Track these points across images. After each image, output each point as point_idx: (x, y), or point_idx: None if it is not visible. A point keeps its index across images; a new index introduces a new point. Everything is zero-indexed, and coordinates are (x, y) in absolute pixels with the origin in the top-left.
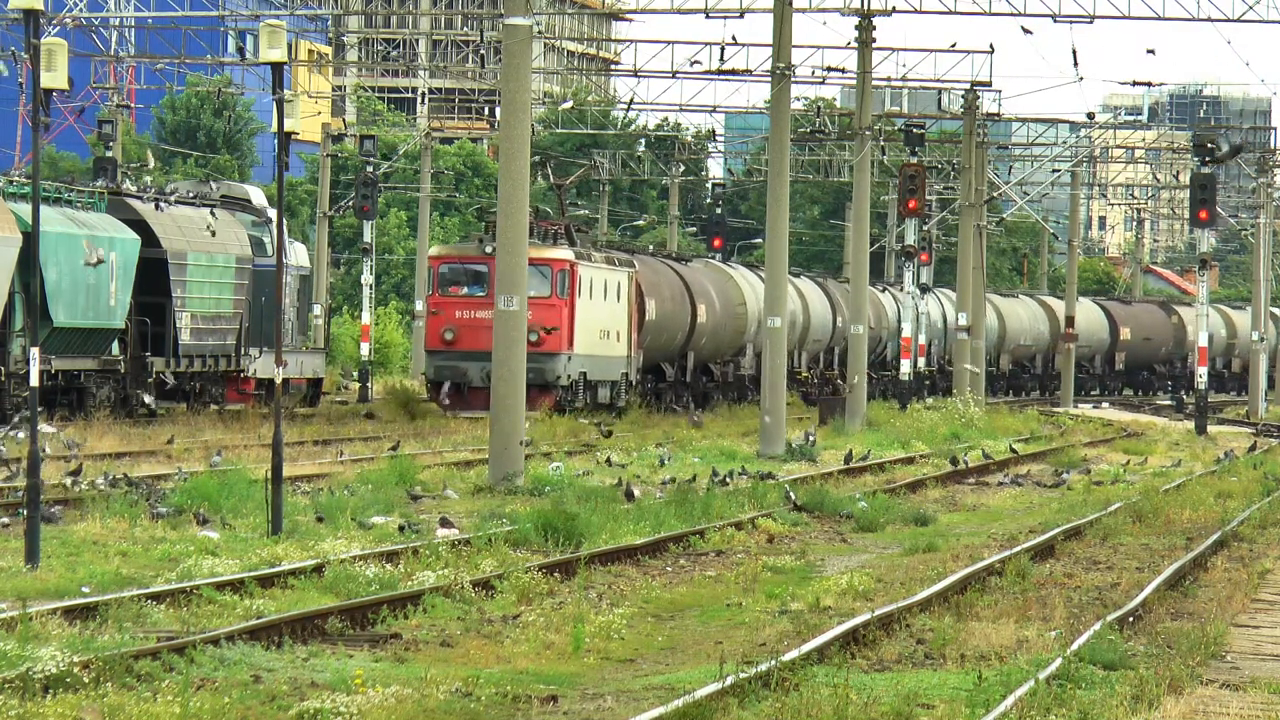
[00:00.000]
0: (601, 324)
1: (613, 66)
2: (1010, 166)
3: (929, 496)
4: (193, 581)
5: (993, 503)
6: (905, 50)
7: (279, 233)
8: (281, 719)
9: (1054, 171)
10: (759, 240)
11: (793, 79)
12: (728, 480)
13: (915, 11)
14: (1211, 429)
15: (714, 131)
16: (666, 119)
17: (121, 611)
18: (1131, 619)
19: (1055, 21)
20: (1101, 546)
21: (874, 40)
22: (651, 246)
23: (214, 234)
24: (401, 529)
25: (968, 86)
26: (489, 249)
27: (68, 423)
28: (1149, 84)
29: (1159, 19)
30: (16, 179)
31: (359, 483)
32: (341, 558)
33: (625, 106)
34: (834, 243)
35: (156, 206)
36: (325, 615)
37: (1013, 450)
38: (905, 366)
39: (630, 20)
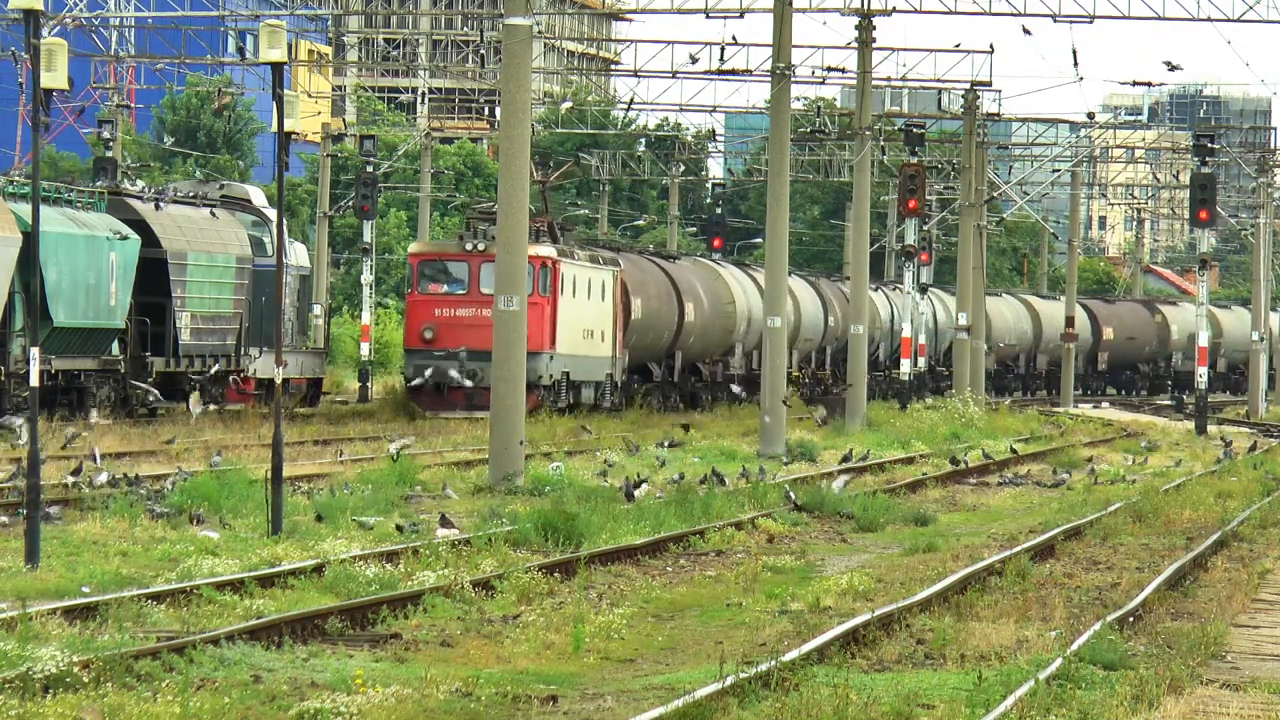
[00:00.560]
0: (585, 323)
1: (613, 66)
2: (1010, 166)
3: (929, 496)
4: (193, 581)
5: (993, 503)
6: (905, 50)
7: (279, 233)
8: (281, 719)
9: (1054, 171)
10: (759, 240)
11: (793, 79)
12: (745, 473)
13: (915, 11)
14: (1211, 429)
15: (714, 131)
16: (666, 119)
17: (121, 611)
18: (1131, 619)
19: (1055, 21)
20: (1101, 546)
21: (874, 40)
22: (652, 246)
23: (215, 216)
24: (399, 528)
25: (968, 86)
26: (469, 246)
27: (67, 422)
28: (1149, 84)
29: (1159, 19)
30: (17, 179)
31: (359, 483)
32: (341, 558)
33: (625, 106)
34: (834, 243)
35: (156, 206)
36: (325, 615)
37: (1013, 450)
38: (905, 366)
39: (630, 20)
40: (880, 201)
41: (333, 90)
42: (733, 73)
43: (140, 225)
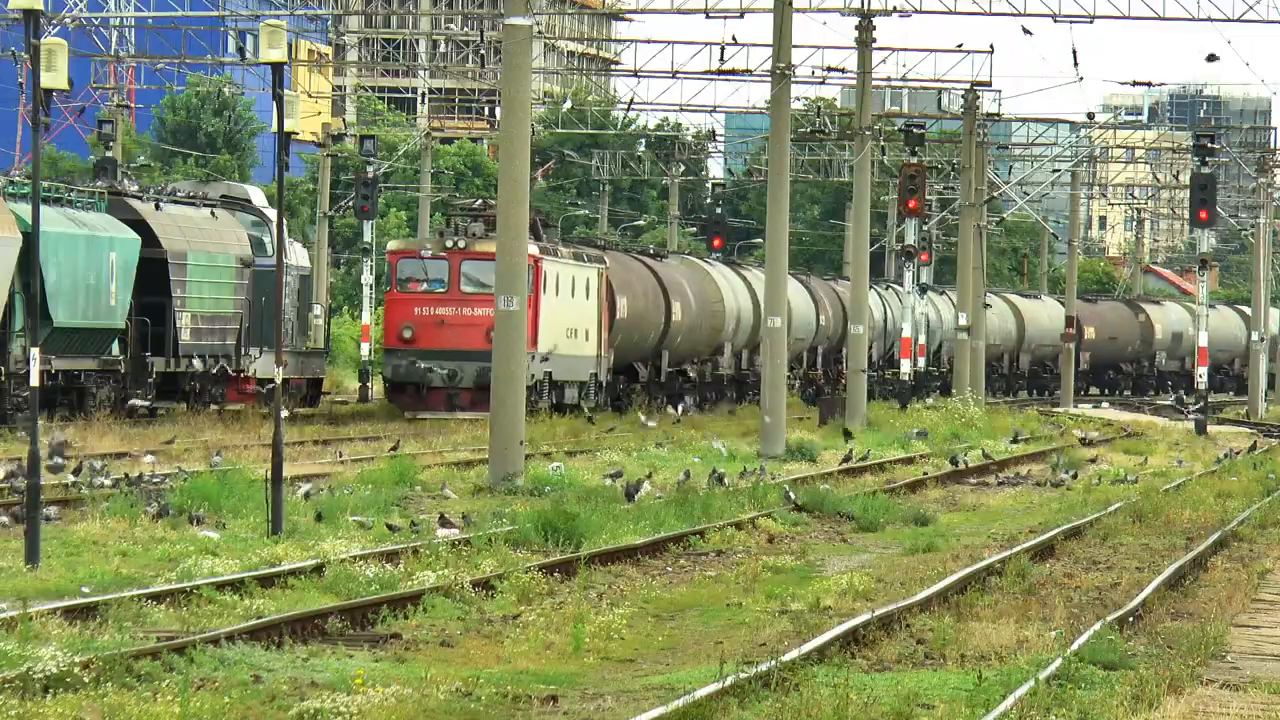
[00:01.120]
0: (568, 322)
1: (613, 66)
2: (1010, 166)
3: (929, 496)
4: (193, 581)
5: (993, 503)
6: (905, 50)
7: (279, 233)
8: (281, 719)
9: (1054, 171)
10: (759, 240)
11: (793, 79)
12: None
13: (915, 11)
14: (1211, 429)
15: (714, 131)
16: (666, 119)
17: (121, 611)
18: (1131, 619)
19: (1055, 21)
20: (1101, 546)
21: (874, 40)
22: (652, 246)
23: (215, 216)
24: (391, 528)
25: (968, 86)
26: (449, 243)
27: (67, 423)
28: (1149, 84)
29: (1159, 19)
30: (17, 179)
31: (359, 483)
32: (341, 558)
33: (625, 106)
34: (834, 243)
35: (156, 206)
36: (325, 615)
37: (1015, 434)
38: (905, 366)
39: (630, 20)
40: (880, 201)
41: (333, 90)
42: (733, 73)
43: (140, 225)
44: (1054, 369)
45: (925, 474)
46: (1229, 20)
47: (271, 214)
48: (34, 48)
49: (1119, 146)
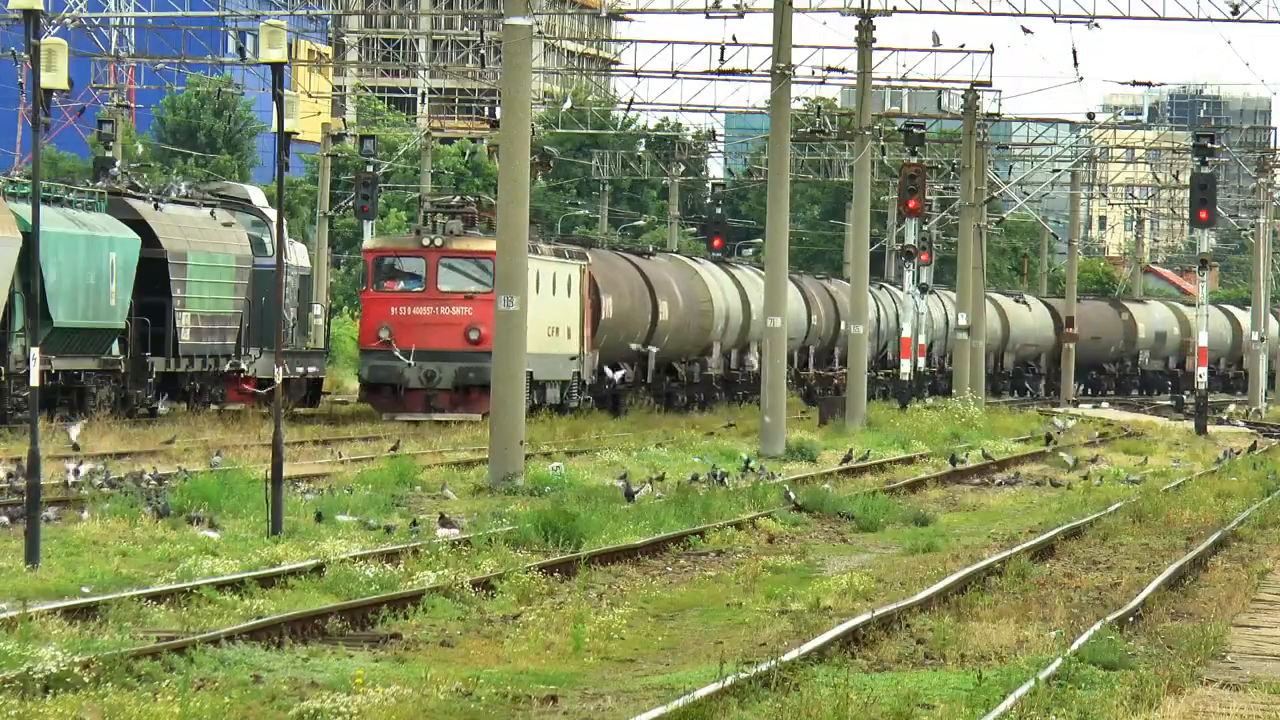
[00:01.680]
0: (549, 320)
1: (613, 66)
2: (1010, 166)
3: (929, 496)
4: (193, 581)
5: (993, 503)
6: (905, 50)
7: (279, 233)
8: (281, 719)
9: (1054, 171)
10: (759, 240)
11: (793, 79)
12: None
13: (915, 11)
14: (1211, 429)
15: (714, 131)
16: (666, 119)
17: (121, 611)
18: (1131, 619)
19: (1055, 21)
20: (1101, 546)
21: (874, 40)
22: (654, 246)
23: (214, 215)
24: (388, 529)
25: (968, 86)
26: (426, 241)
27: (68, 423)
28: (1149, 84)
29: (1159, 19)
30: (17, 179)
31: (359, 483)
32: (341, 558)
33: (625, 106)
34: (834, 243)
35: (156, 206)
36: (325, 615)
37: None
38: (905, 366)
39: (630, 20)
40: (880, 201)
41: (333, 90)
42: (733, 73)
43: (140, 225)
44: (1037, 369)
45: (925, 474)
46: (1229, 20)
47: (271, 214)
48: (34, 48)
49: (1119, 146)
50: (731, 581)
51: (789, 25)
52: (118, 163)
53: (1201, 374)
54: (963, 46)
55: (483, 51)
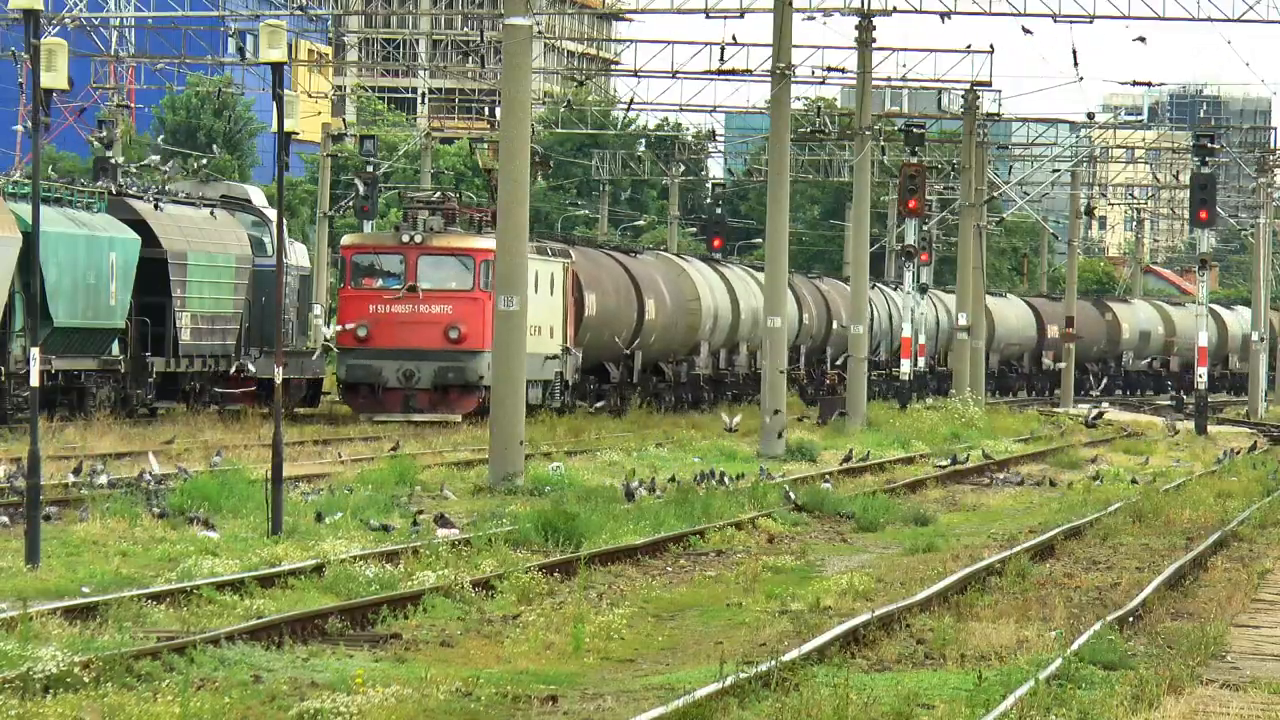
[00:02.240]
0: (530, 319)
1: (613, 66)
2: (1010, 166)
3: (929, 496)
4: (193, 581)
5: (993, 503)
6: (905, 50)
7: (279, 233)
8: (281, 719)
9: (1054, 171)
10: (759, 240)
11: (793, 79)
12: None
13: (915, 11)
14: (1211, 429)
15: (714, 131)
16: (666, 119)
17: (121, 611)
18: (1131, 619)
19: (1055, 21)
20: (1101, 546)
21: (874, 40)
22: (655, 244)
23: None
24: (385, 528)
25: (968, 86)
26: (406, 238)
27: (68, 423)
28: (1149, 84)
29: (1159, 19)
30: (17, 179)
31: (359, 483)
32: (341, 558)
33: (625, 106)
34: (834, 243)
35: (156, 206)
36: (325, 615)
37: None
38: (905, 366)
39: (630, 20)
40: (880, 201)
41: (333, 90)
42: (733, 73)
43: (140, 225)
44: (1020, 369)
45: (925, 474)
46: (1229, 20)
47: (271, 214)
48: (34, 48)
49: (1119, 146)
50: (731, 581)
51: (789, 25)
52: (120, 162)
53: (1201, 374)
54: (968, 47)
55: (483, 51)
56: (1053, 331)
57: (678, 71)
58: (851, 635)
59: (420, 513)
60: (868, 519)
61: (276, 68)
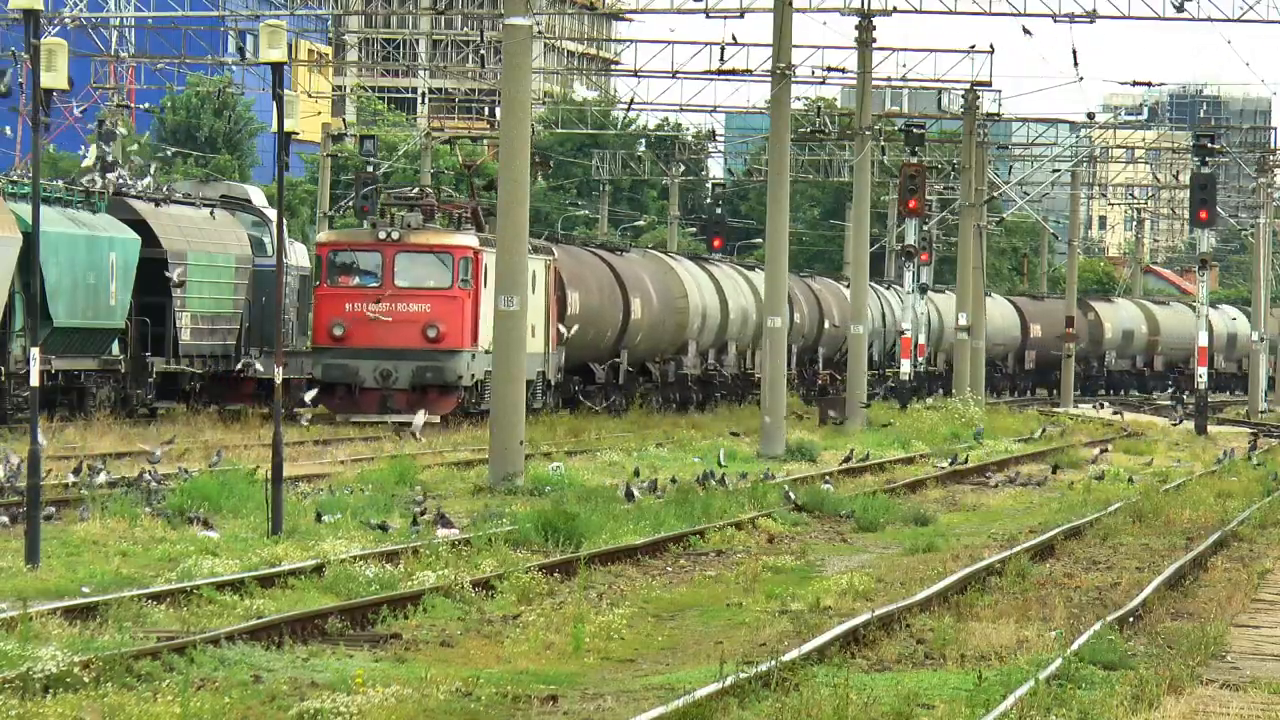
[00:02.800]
0: None
1: (613, 66)
2: (1010, 166)
3: (929, 496)
4: (193, 581)
5: (993, 503)
6: (905, 50)
7: (279, 233)
8: (281, 719)
9: (1054, 171)
10: (759, 240)
11: (793, 79)
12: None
13: (915, 11)
14: (1211, 429)
15: (714, 131)
16: (666, 119)
17: (121, 611)
18: (1131, 619)
19: (1055, 21)
20: (1101, 546)
21: (874, 40)
22: (652, 243)
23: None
24: (382, 527)
25: (968, 86)
26: (383, 235)
27: (68, 423)
28: (1149, 84)
29: (1159, 19)
30: (18, 179)
31: (359, 483)
32: (341, 558)
33: (625, 106)
34: (834, 243)
35: (156, 206)
36: (325, 615)
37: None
38: (905, 366)
39: (630, 20)
40: (880, 201)
41: (333, 90)
42: (733, 73)
43: (140, 225)
44: (1004, 368)
45: (925, 474)
46: (1229, 20)
47: (271, 214)
48: (34, 48)
49: (1119, 146)
50: (731, 581)
51: (789, 25)
52: (117, 163)
53: (1202, 374)
54: (972, 47)
55: (483, 51)
56: (1036, 331)
57: (678, 71)
58: (851, 635)
59: (424, 513)
60: (868, 519)
61: (276, 68)
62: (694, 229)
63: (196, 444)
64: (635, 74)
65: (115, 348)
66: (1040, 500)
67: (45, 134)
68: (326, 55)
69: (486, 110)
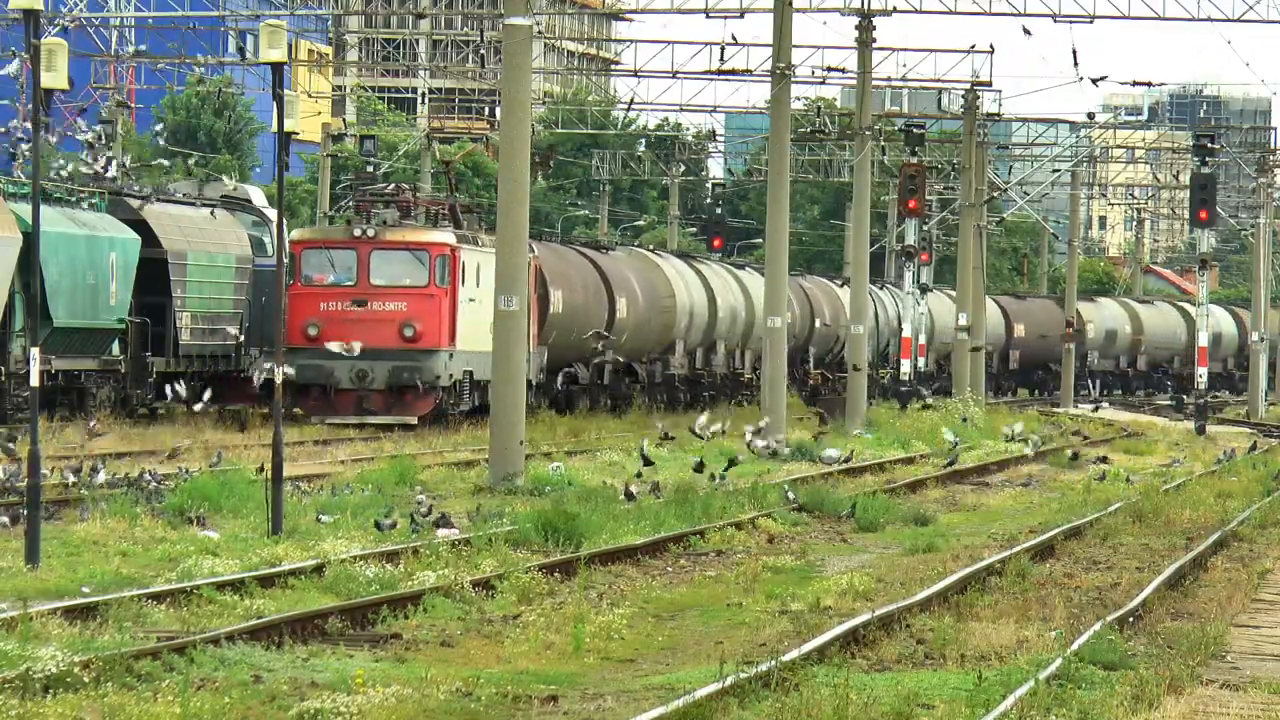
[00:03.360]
0: (490, 317)
1: (613, 66)
2: (1010, 166)
3: (929, 496)
4: (193, 581)
5: (992, 503)
6: (905, 50)
7: (279, 233)
8: (282, 719)
9: (1054, 171)
10: (759, 240)
11: (793, 79)
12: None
13: (915, 11)
14: (1211, 429)
15: (714, 131)
16: (666, 119)
17: (121, 611)
18: (1131, 619)
19: (1055, 21)
20: (1101, 546)
21: (874, 40)
22: (653, 243)
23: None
24: (378, 526)
25: (968, 86)
26: (358, 232)
27: (68, 423)
28: (1149, 84)
29: (1159, 19)
30: (17, 179)
31: (359, 483)
32: (342, 558)
33: (625, 106)
34: (834, 243)
35: (156, 206)
36: (325, 615)
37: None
38: (905, 367)
39: (630, 20)
40: (880, 201)
41: (333, 90)
42: (733, 73)
43: (140, 225)
44: (989, 368)
45: (925, 474)
46: (1229, 20)
47: (271, 214)
48: (34, 48)
49: (1119, 146)
50: (731, 581)
51: (789, 25)
52: (115, 163)
53: (1202, 374)
54: (972, 47)
55: (483, 51)
56: (1019, 331)
57: (678, 71)
58: (851, 635)
59: (428, 514)
60: (868, 519)
61: (276, 68)
62: (694, 229)
63: (197, 444)
64: (635, 74)
65: (115, 348)
66: (1040, 500)
67: (44, 135)
68: (326, 55)
69: (486, 110)
